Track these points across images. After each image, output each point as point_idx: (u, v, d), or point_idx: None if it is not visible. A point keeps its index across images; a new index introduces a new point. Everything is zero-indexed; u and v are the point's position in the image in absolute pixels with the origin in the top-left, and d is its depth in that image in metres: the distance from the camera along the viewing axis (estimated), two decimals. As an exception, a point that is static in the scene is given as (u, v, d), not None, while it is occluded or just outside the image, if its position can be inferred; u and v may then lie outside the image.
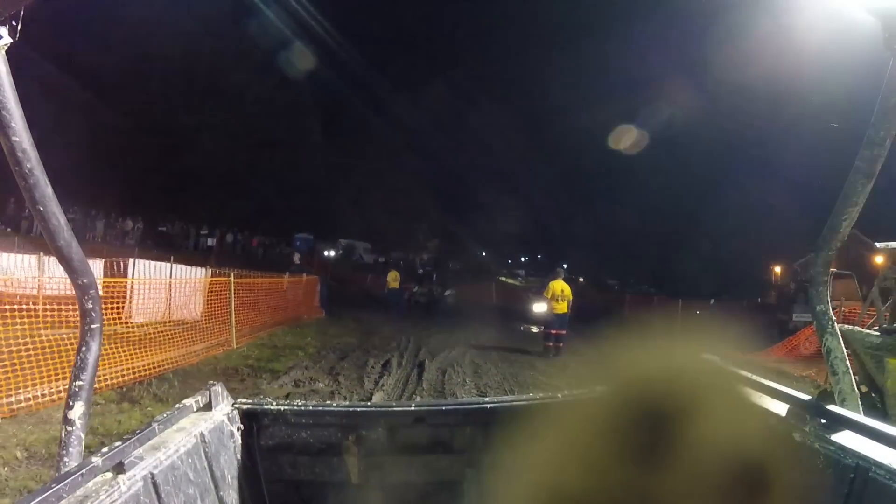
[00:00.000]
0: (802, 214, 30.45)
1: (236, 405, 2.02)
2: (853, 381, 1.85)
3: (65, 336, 5.96)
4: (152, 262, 11.78)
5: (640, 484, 0.65)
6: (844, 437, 1.46)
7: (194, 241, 29.51)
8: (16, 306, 6.34)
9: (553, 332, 10.66)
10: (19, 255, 10.18)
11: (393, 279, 20.65)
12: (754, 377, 1.74)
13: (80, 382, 1.49)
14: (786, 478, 0.68)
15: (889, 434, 1.36)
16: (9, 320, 5.81)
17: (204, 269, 11.62)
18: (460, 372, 8.10)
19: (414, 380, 7.46)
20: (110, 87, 28.87)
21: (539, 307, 10.68)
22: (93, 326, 1.53)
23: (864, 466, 1.35)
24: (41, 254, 9.38)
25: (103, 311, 1.69)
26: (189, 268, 12.15)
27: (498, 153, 45.68)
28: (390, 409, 2.26)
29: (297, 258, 19.39)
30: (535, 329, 14.47)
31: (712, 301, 25.72)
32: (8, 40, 1.19)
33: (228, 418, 1.94)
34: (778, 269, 31.73)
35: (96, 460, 1.23)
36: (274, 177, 35.17)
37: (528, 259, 60.41)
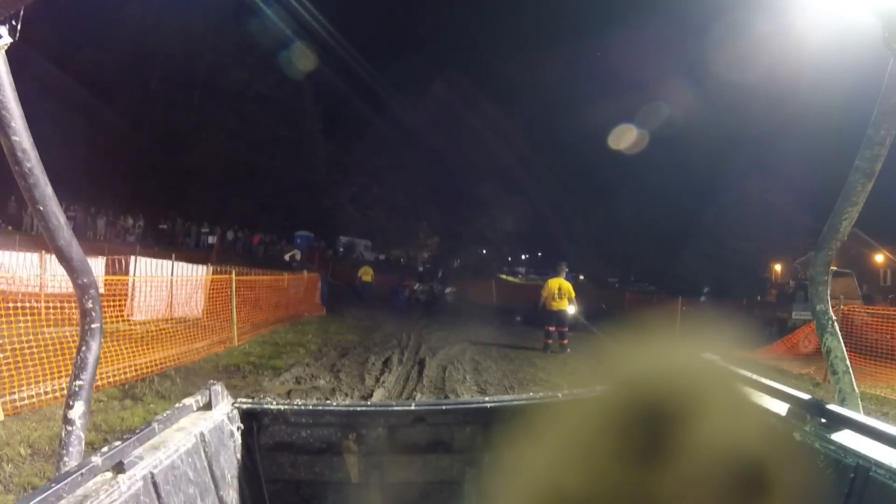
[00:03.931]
0: (802, 213, 30.47)
1: (236, 405, 2.02)
2: (853, 380, 1.85)
3: (67, 334, 5.97)
4: (154, 260, 11.81)
5: (640, 484, 0.65)
6: (845, 437, 1.46)
7: (195, 239, 29.51)
8: (18, 304, 6.36)
9: (553, 329, 10.67)
10: (21, 253, 10.19)
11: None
12: (754, 376, 1.74)
13: (81, 382, 1.49)
14: (786, 477, 0.68)
15: (890, 434, 1.36)
16: (11, 318, 5.82)
17: (205, 267, 11.64)
18: (460, 369, 8.11)
19: (414, 377, 7.48)
20: (110, 85, 28.76)
21: (570, 309, 10.81)
22: (93, 326, 1.53)
23: (864, 466, 1.35)
24: (43, 252, 9.38)
25: (105, 310, 1.69)
26: (190, 265, 12.20)
27: (498, 151, 45.57)
28: (390, 408, 2.26)
29: (297, 255, 19.33)
30: (517, 318, 16.45)
31: (702, 299, 25.35)
32: (8, 40, 1.19)
33: (228, 418, 1.95)
34: (778, 268, 31.78)
35: (96, 460, 1.23)
36: (274, 174, 35.09)
37: (529, 257, 60.53)
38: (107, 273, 10.23)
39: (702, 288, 30.64)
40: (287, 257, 19.13)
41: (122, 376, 6.06)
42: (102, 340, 1.58)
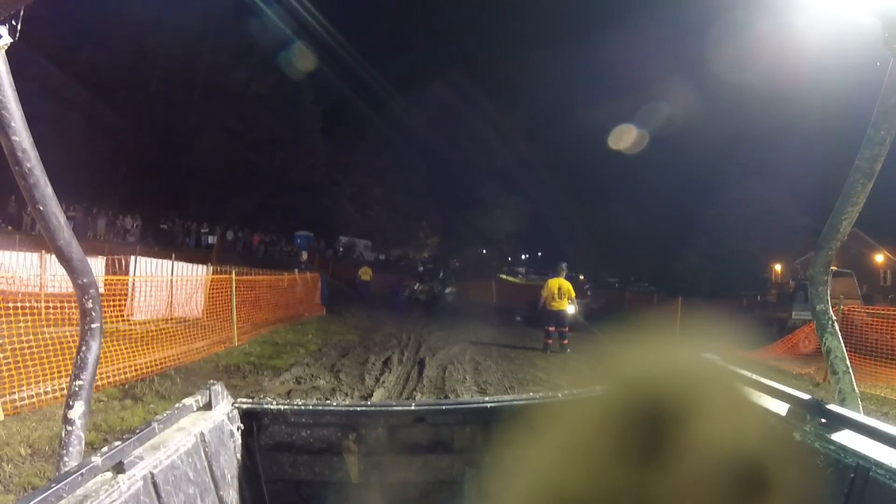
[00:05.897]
0: (802, 213, 30.50)
1: (236, 404, 2.02)
2: (853, 380, 1.85)
3: (67, 334, 5.97)
4: (154, 260, 11.83)
5: (640, 483, 0.65)
6: (845, 437, 1.46)
7: (195, 239, 29.52)
8: (18, 304, 6.35)
9: (553, 329, 10.68)
10: (21, 253, 10.19)
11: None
12: (754, 376, 1.74)
13: (80, 382, 1.49)
14: (786, 477, 0.68)
15: (890, 434, 1.36)
16: (11, 318, 5.81)
17: (205, 267, 11.65)
18: (460, 369, 8.11)
19: (414, 377, 7.48)
20: (110, 85, 28.77)
21: (570, 309, 10.88)
22: (93, 326, 1.53)
23: (864, 466, 1.35)
24: (43, 252, 9.39)
25: (105, 310, 1.69)
26: (190, 265, 12.20)
27: (498, 151, 45.67)
28: (390, 408, 2.26)
29: (304, 256, 19.47)
30: (517, 318, 16.67)
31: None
32: (8, 40, 1.19)
33: (228, 418, 1.94)
34: (778, 268, 31.78)
35: (96, 460, 1.23)
36: (274, 174, 35.12)
37: (529, 257, 60.56)
38: (107, 273, 10.23)
39: (706, 288, 30.70)
40: (304, 257, 19.35)
41: (122, 376, 6.06)
42: (102, 340, 1.58)
